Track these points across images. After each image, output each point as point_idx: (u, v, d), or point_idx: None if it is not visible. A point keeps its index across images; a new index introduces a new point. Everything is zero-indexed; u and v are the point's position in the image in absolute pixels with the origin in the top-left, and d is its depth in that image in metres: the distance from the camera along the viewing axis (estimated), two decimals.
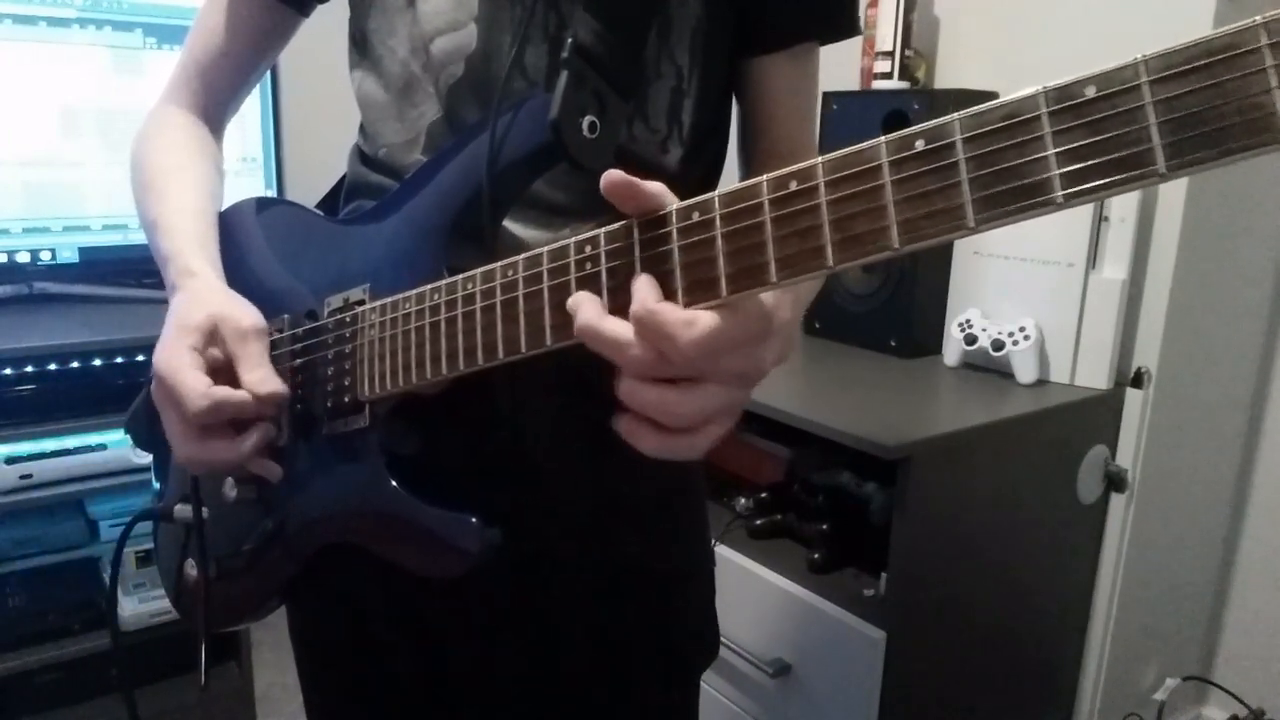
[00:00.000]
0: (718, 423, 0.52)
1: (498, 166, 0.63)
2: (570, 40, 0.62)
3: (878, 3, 1.77)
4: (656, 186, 0.51)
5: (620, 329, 0.50)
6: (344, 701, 0.90)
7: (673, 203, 0.51)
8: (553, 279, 0.55)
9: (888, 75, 1.78)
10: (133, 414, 0.87)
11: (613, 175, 0.50)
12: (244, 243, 0.80)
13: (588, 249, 0.53)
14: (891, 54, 1.77)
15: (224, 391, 0.66)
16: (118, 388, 1.56)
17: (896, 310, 1.70)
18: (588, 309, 0.51)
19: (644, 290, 0.50)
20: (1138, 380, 1.57)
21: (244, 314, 0.70)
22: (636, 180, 0.50)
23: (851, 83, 1.84)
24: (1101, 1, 1.58)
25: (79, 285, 1.78)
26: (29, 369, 1.51)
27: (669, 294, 0.50)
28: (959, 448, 1.33)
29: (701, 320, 0.48)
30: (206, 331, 0.68)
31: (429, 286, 0.63)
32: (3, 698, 1.65)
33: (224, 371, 0.68)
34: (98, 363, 1.56)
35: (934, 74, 1.86)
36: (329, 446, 0.71)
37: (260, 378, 0.67)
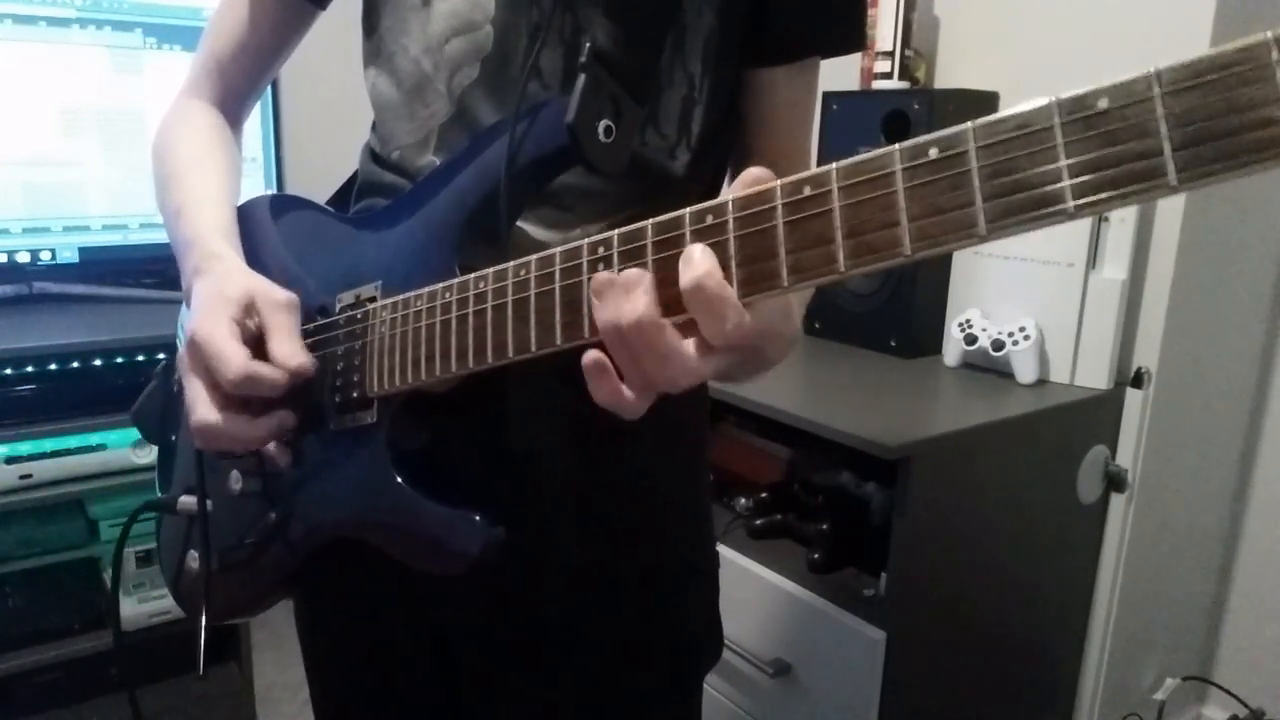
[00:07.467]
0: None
1: (515, 168, 0.64)
2: (588, 45, 0.62)
3: (878, 3, 1.77)
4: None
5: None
6: (350, 699, 0.90)
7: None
8: (565, 279, 0.55)
9: (888, 75, 1.78)
10: (141, 405, 0.87)
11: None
12: (258, 238, 0.80)
13: (601, 250, 0.53)
14: (891, 54, 1.77)
15: (262, 367, 0.66)
16: (118, 388, 1.56)
17: (896, 310, 1.70)
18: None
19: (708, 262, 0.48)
20: (1138, 380, 1.58)
21: (278, 288, 0.71)
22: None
23: (851, 83, 1.84)
24: (1101, 1, 1.59)
25: (79, 285, 1.78)
26: (29, 369, 1.50)
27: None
28: (959, 448, 1.33)
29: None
30: (244, 304, 0.69)
31: (441, 285, 0.63)
32: (3, 698, 1.64)
33: (255, 346, 0.69)
34: (98, 363, 1.55)
35: (934, 74, 1.86)
36: (336, 442, 0.72)
37: (291, 350, 0.68)
